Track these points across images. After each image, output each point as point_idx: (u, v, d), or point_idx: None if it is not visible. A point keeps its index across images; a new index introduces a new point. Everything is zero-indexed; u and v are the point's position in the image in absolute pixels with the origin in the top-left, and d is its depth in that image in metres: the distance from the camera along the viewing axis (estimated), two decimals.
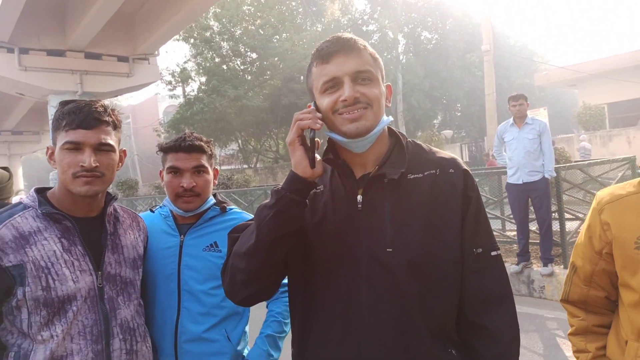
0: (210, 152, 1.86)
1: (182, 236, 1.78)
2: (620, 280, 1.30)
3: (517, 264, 5.95)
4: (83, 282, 1.37)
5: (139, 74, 19.12)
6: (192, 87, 26.98)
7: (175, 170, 1.76)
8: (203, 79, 26.03)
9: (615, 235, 1.28)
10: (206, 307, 1.72)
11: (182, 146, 1.76)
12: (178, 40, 24.07)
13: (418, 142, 1.32)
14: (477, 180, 7.26)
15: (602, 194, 1.37)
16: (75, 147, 1.39)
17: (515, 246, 6.52)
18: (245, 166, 29.29)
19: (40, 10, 15.44)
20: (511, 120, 5.86)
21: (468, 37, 29.90)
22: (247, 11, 26.69)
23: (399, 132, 1.29)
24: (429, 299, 1.16)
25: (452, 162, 1.25)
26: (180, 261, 1.74)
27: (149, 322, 1.66)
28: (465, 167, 1.26)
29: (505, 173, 6.18)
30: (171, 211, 1.82)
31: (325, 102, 1.16)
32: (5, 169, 3.42)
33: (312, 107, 1.19)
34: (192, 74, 26.20)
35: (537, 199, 5.64)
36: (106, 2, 13.81)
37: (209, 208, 1.83)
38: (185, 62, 26.27)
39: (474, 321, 1.21)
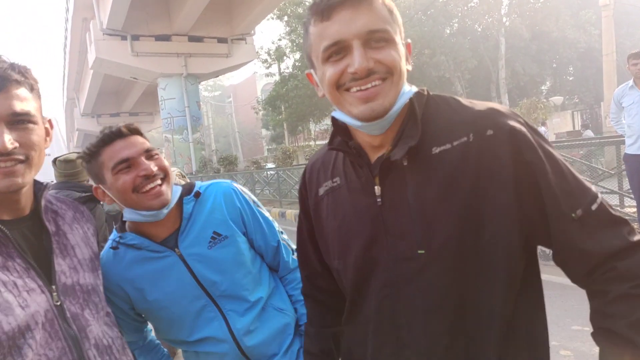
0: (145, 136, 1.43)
1: (175, 250, 1.42)
2: None
3: None
4: (35, 304, 0.99)
5: (237, 54, 19.91)
6: (287, 65, 27.53)
7: (125, 164, 1.32)
8: (297, 56, 26.39)
9: None
10: (249, 300, 1.49)
11: (115, 132, 1.34)
12: (272, 18, 24.52)
13: (446, 97, 1.01)
14: (590, 150, 6.39)
15: None
16: None
17: (635, 224, 5.82)
18: None
19: None
20: (631, 82, 5.14)
21: None
22: None
23: (413, 89, 0.97)
24: (473, 309, 0.93)
25: (491, 118, 0.92)
26: (194, 273, 1.43)
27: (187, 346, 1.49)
28: (512, 122, 0.91)
29: (623, 142, 5.48)
30: (140, 234, 1.42)
31: (328, 74, 0.90)
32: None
33: (313, 77, 0.98)
34: (287, 51, 26.65)
35: None
36: None
37: (179, 202, 1.46)
38: (279, 40, 26.79)
39: (597, 277, 0.91)
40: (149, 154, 1.35)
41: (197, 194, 1.49)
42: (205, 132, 28.56)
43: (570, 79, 31.63)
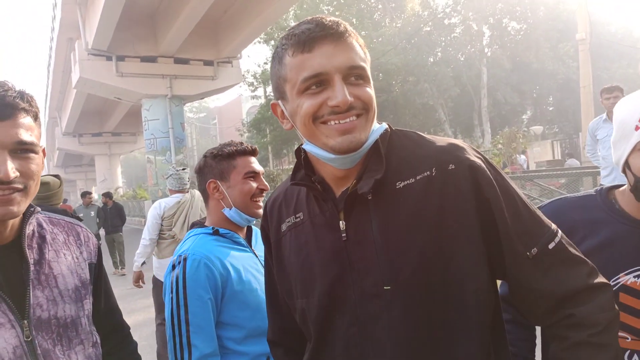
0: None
1: (251, 248, 1.72)
2: None
3: None
4: (2, 340, 0.97)
5: (223, 77, 19.97)
6: None
7: (254, 174, 1.68)
8: None
9: None
10: None
11: (253, 151, 1.71)
12: (259, 42, 24.79)
13: (408, 132, 1.02)
14: (564, 181, 6.46)
15: None
16: None
17: None
18: None
19: (134, 20, 16.63)
20: (604, 115, 5.26)
21: (562, 26, 27.79)
22: (326, 10, 26.86)
23: (384, 126, 0.99)
24: (443, 346, 0.91)
25: (452, 153, 0.93)
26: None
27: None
28: (473, 157, 0.93)
29: (599, 173, 5.58)
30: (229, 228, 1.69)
31: (305, 105, 0.89)
32: (57, 176, 3.66)
33: (279, 109, 0.96)
34: None
35: None
36: (192, 10, 14.55)
37: None
38: (265, 64, 27.01)
39: (555, 320, 0.93)
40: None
41: None
42: (189, 154, 28.44)
43: (550, 109, 32.44)
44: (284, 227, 1.08)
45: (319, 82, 0.88)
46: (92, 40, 16.42)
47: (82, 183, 50.68)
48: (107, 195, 10.89)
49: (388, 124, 1.01)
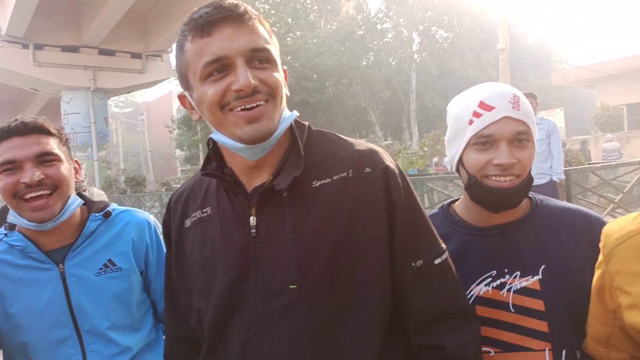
0: (61, 137, 1.31)
1: (60, 265, 1.28)
2: None
3: None
4: None
5: (152, 71, 19.24)
6: None
7: (10, 165, 1.19)
8: None
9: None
10: (119, 345, 1.32)
11: (12, 129, 1.21)
12: None
13: (328, 133, 1.00)
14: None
15: (610, 229, 0.89)
16: None
17: None
18: None
19: (55, 6, 15.58)
20: None
21: (484, 36, 29.49)
22: (261, 8, 26.69)
23: (296, 122, 0.97)
24: (346, 345, 0.89)
25: (370, 157, 0.93)
26: (70, 297, 1.28)
27: None
28: (387, 162, 0.94)
29: None
30: (28, 237, 1.28)
31: (209, 92, 0.84)
32: None
33: (187, 100, 0.92)
34: None
35: None
36: (119, 0, 13.89)
37: (83, 216, 1.36)
38: None
39: (426, 345, 0.95)
40: (41, 159, 1.21)
41: (107, 214, 1.36)
42: (113, 151, 27.09)
43: None
44: (188, 222, 1.02)
45: (221, 66, 0.84)
46: (6, 26, 15.21)
47: None
48: None
49: (308, 123, 1.00)
